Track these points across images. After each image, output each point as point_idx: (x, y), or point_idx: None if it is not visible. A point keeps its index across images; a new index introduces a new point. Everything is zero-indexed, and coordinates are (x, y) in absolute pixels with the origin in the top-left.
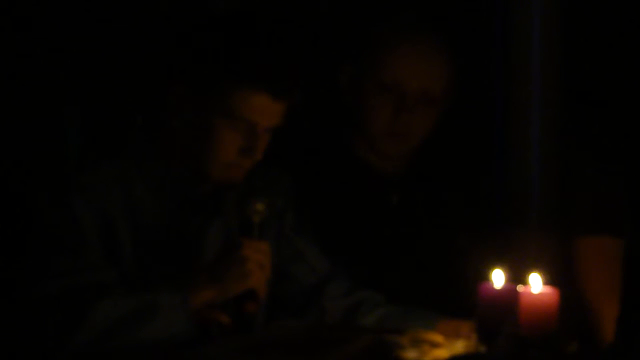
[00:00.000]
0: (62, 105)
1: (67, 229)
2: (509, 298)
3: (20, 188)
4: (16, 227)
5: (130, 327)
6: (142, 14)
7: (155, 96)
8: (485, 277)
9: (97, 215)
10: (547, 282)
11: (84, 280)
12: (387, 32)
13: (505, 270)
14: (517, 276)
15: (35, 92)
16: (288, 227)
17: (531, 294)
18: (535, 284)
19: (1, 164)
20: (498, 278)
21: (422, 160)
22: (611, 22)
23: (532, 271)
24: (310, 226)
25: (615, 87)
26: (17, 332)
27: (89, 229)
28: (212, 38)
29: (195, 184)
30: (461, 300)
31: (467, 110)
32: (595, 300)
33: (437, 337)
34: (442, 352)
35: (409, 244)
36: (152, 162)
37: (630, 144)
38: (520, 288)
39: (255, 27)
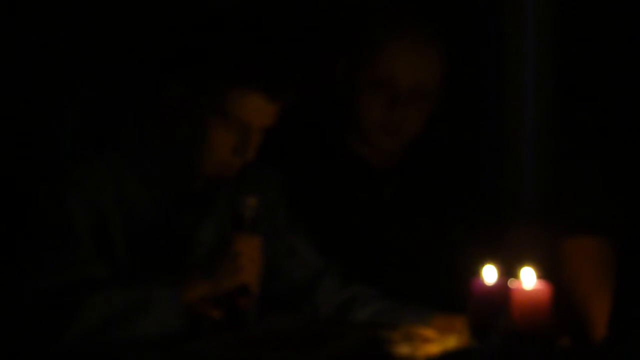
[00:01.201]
0: (57, 102)
1: (60, 225)
2: (501, 293)
3: (13, 185)
4: (9, 223)
5: (122, 322)
6: (140, 13)
7: (150, 94)
8: (478, 272)
9: (90, 211)
10: (540, 277)
11: (77, 276)
12: (380, 28)
13: (497, 265)
14: (509, 271)
15: (30, 89)
16: (280, 222)
17: (523, 289)
18: (528, 278)
19: None
20: (490, 273)
21: (416, 155)
22: (605, 19)
23: (524, 265)
24: (303, 221)
25: (608, 85)
26: (9, 328)
27: (81, 225)
28: (209, 38)
29: (188, 180)
30: (454, 295)
31: (460, 105)
32: (584, 298)
33: (430, 332)
34: (435, 347)
35: (402, 238)
36: (145, 159)
37: (625, 143)
38: (512, 283)
39: (253, 27)
